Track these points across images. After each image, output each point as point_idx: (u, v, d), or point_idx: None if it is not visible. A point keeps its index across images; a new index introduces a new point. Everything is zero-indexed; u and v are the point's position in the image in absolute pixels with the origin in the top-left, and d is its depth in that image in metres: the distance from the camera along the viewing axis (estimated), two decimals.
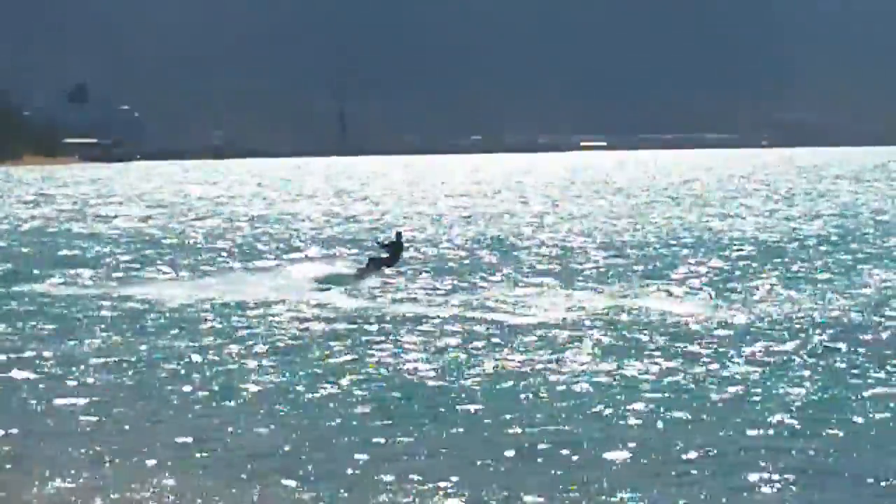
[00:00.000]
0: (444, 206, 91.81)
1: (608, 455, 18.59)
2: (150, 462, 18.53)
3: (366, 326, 31.31)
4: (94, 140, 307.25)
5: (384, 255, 43.86)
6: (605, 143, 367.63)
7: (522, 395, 22.87)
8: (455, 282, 41.14)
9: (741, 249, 51.84)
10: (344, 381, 24.28)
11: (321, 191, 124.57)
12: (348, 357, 27.01)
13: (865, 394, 22.69)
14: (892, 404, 21.78)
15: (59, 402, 22.77)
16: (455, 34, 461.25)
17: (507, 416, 21.06)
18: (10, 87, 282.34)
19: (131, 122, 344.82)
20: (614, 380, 24.16)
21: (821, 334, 28.92)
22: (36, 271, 45.20)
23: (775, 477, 17.42)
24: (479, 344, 28.44)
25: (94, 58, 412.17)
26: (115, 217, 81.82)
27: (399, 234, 45.73)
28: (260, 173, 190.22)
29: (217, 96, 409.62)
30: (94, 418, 21.52)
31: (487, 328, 30.71)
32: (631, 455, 18.60)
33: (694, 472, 17.78)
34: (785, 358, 26.18)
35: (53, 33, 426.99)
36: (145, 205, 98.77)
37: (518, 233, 63.59)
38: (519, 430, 20.19)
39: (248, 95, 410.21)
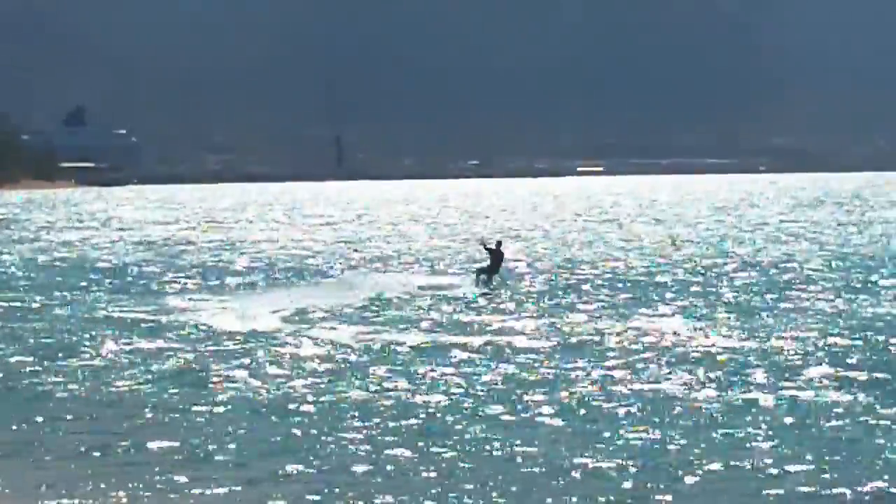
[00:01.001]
0: (410, 228, 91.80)
1: (611, 479, 18.50)
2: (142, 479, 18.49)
3: (347, 354, 30.75)
4: (91, 164, 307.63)
5: (486, 265, 45.42)
6: (602, 169, 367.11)
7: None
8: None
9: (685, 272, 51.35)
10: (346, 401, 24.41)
11: (297, 215, 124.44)
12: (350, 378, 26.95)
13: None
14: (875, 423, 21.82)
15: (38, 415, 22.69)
16: (453, 59, 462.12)
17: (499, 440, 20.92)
18: (8, 109, 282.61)
19: (129, 146, 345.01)
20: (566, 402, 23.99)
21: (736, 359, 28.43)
22: None
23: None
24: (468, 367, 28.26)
25: (93, 82, 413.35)
26: (64, 242, 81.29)
27: (499, 243, 47.05)
28: (252, 198, 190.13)
29: (215, 121, 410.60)
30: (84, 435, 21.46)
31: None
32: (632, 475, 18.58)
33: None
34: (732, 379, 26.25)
35: (52, 57, 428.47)
36: (108, 229, 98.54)
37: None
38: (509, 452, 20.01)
39: (247, 119, 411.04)
